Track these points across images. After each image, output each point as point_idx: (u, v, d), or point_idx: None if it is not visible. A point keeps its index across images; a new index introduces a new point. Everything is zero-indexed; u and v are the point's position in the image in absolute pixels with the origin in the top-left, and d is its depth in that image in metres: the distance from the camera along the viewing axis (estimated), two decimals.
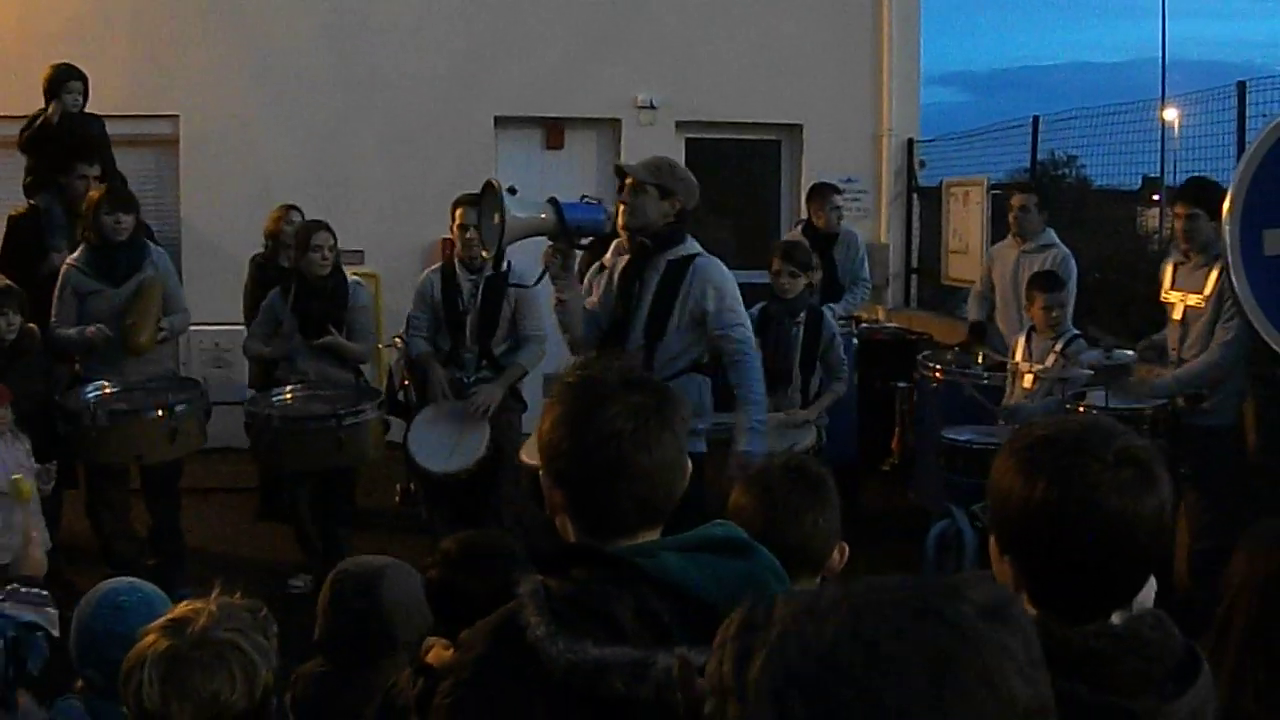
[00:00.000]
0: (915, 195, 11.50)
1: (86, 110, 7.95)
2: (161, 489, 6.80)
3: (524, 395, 7.01)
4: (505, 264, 6.77)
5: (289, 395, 6.93)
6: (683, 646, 1.76)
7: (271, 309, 7.07)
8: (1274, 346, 5.88)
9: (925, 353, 8.48)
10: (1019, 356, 7.01)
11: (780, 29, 10.99)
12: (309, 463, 6.74)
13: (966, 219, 10.26)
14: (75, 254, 6.75)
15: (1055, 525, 1.80)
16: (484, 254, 5.06)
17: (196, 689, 2.41)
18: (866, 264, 9.12)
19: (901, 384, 8.49)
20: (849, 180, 10.23)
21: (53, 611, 3.27)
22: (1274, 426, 6.48)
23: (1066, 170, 11.43)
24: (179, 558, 6.80)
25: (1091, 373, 6.48)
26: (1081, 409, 6.21)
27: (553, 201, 5.03)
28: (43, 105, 7.83)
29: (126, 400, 6.56)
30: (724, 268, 5.33)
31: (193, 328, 7.81)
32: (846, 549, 2.93)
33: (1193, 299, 6.34)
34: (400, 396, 7.60)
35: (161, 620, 2.56)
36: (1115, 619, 1.81)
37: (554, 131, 10.89)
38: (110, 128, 8.20)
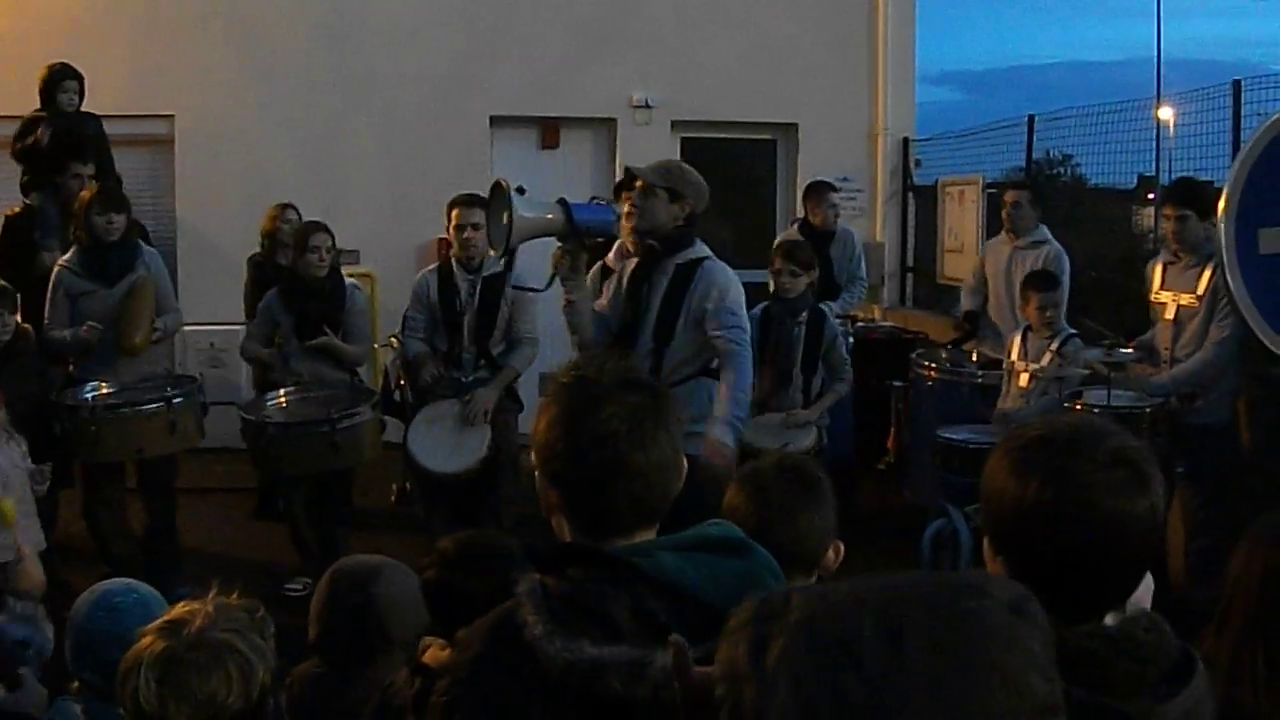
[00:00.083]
0: (911, 194, 11.51)
1: (83, 110, 7.96)
2: (158, 488, 6.80)
3: (520, 395, 7.01)
4: (503, 265, 6.79)
5: (283, 398, 6.92)
6: (677, 635, 1.76)
7: (269, 310, 7.06)
8: (1269, 345, 5.89)
9: (919, 351, 8.49)
10: (1015, 355, 7.02)
11: (776, 28, 11.00)
12: (305, 467, 6.73)
13: (962, 218, 10.26)
14: (67, 255, 6.75)
15: (1048, 526, 1.80)
16: (492, 252, 5.04)
17: (194, 690, 2.40)
18: (863, 263, 9.14)
19: (897, 383, 8.50)
20: (844, 179, 10.23)
21: (48, 627, 3.27)
22: (1269, 425, 6.49)
23: (1062, 169, 11.42)
24: (174, 558, 6.81)
25: (1088, 372, 6.50)
26: (1079, 408, 6.22)
27: (562, 202, 5.02)
28: (39, 106, 7.84)
29: (123, 398, 6.56)
30: (730, 271, 5.32)
31: (188, 328, 7.82)
32: (842, 548, 2.93)
33: (1185, 298, 6.35)
34: (396, 396, 7.60)
35: (158, 621, 2.56)
36: (1109, 620, 1.81)
37: (549, 131, 10.89)
38: (106, 128, 8.21)
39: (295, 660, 3.38)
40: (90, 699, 3.00)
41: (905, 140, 11.47)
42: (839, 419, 7.27)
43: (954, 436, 6.86)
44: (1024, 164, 9.96)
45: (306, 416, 6.73)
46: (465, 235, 6.67)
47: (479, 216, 6.65)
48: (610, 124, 10.90)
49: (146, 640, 2.48)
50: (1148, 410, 6.22)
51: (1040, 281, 7.02)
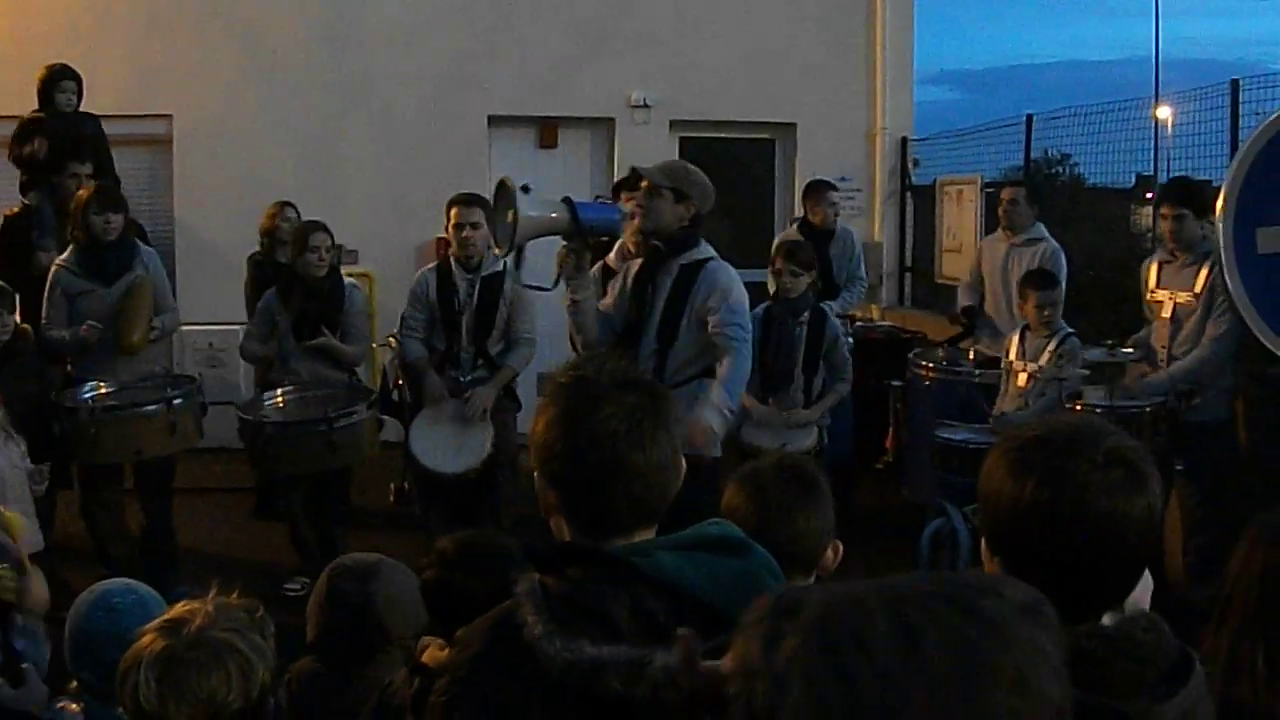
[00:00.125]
0: (909, 194, 11.50)
1: (81, 110, 7.96)
2: (155, 488, 6.80)
3: (519, 395, 7.01)
4: (503, 265, 6.79)
5: (280, 398, 6.91)
6: (684, 629, 1.76)
7: (268, 309, 7.06)
8: (1267, 344, 5.90)
9: (916, 350, 8.50)
10: (1013, 355, 7.02)
11: (774, 28, 11.00)
12: (303, 466, 6.72)
13: (960, 217, 10.27)
14: (64, 255, 6.74)
15: (1044, 526, 1.80)
16: (497, 250, 5.02)
17: (193, 689, 2.40)
18: (863, 263, 9.15)
19: (895, 382, 8.50)
20: (843, 179, 10.23)
21: (47, 647, 3.27)
22: (1266, 424, 6.50)
23: (1060, 168, 11.43)
24: (171, 557, 6.80)
25: (1088, 372, 6.51)
26: (1079, 407, 6.23)
27: (567, 201, 5.02)
28: (37, 106, 7.84)
29: (122, 398, 6.55)
30: (733, 271, 5.32)
31: (186, 328, 7.81)
32: (840, 548, 2.93)
33: (1182, 297, 6.37)
34: (394, 396, 7.60)
35: (158, 620, 2.56)
36: (1107, 620, 1.81)
37: (548, 131, 10.89)
38: (104, 127, 8.21)
39: (294, 660, 3.38)
40: (89, 699, 2.99)
41: (904, 140, 11.46)
42: (839, 419, 7.28)
43: (953, 437, 6.86)
44: (1022, 163, 9.97)
45: (304, 416, 6.73)
46: (464, 234, 6.66)
47: (478, 216, 6.65)
48: (609, 124, 10.90)
49: (146, 639, 2.48)
50: (1148, 409, 6.23)
51: (1038, 280, 7.02)
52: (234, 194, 9.72)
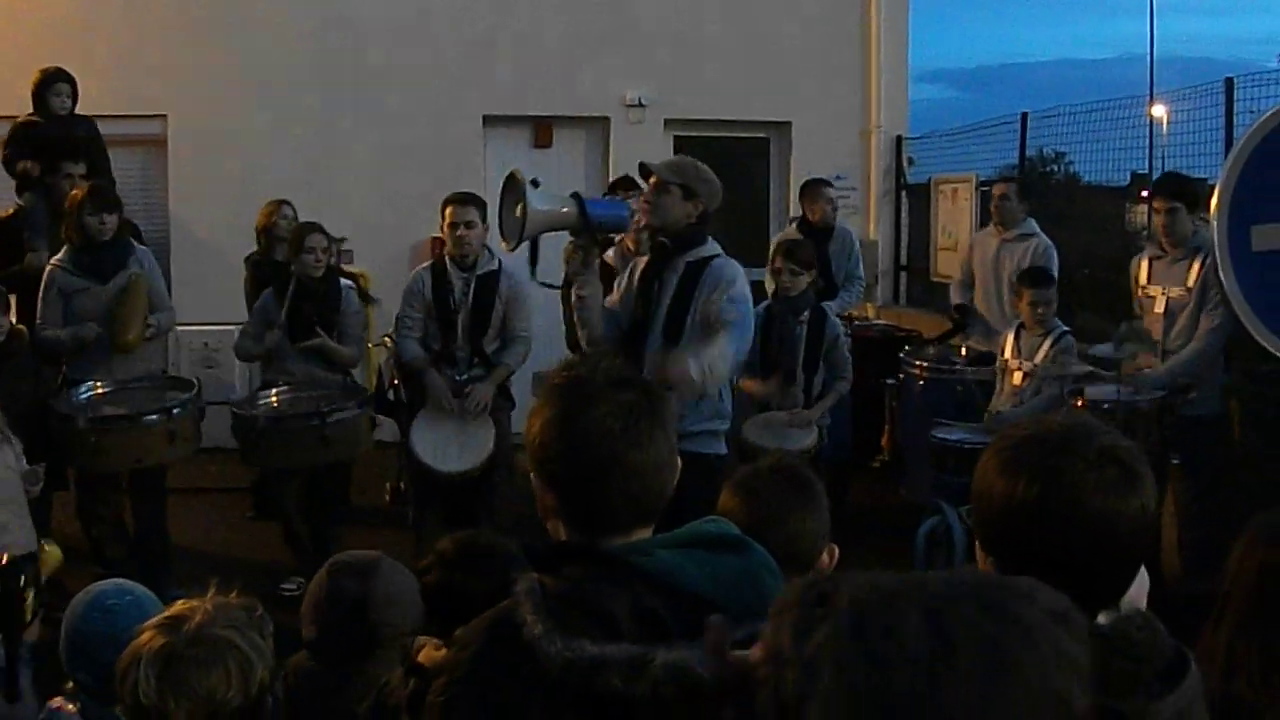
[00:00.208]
0: (904, 192, 11.52)
1: (76, 112, 7.95)
2: (148, 489, 6.78)
3: (513, 394, 7.00)
4: (497, 263, 6.79)
5: (275, 397, 6.92)
6: (717, 616, 1.77)
7: (264, 309, 7.06)
8: (1261, 342, 5.91)
9: (907, 349, 8.51)
10: (1008, 354, 7.02)
11: (769, 27, 11.00)
12: (295, 461, 6.73)
13: (955, 216, 10.28)
14: (59, 255, 6.73)
15: (1037, 524, 1.81)
16: (504, 245, 5.00)
17: (193, 686, 2.41)
18: (861, 262, 9.17)
19: (890, 381, 8.51)
20: (838, 178, 10.22)
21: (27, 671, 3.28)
22: (1260, 420, 6.52)
23: (1055, 167, 11.44)
24: (164, 558, 6.79)
25: (1091, 368, 6.51)
26: (1080, 403, 6.23)
27: (575, 196, 5.00)
28: (31, 111, 7.83)
29: (121, 401, 6.54)
30: (738, 267, 5.29)
31: (182, 328, 7.80)
32: (836, 551, 2.93)
33: (1175, 292, 6.39)
34: (390, 396, 7.59)
35: (158, 618, 2.56)
36: (1102, 619, 1.82)
37: (543, 130, 10.89)
38: (99, 127, 8.19)
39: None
40: (85, 699, 2.99)
41: (898, 138, 11.48)
42: (838, 418, 7.29)
43: (948, 437, 6.86)
44: (1017, 162, 9.97)
45: (297, 410, 6.75)
46: (459, 233, 6.66)
47: (473, 215, 6.65)
48: (603, 123, 10.90)
49: (146, 636, 2.48)
50: (1152, 403, 6.22)
51: (1033, 278, 7.04)
52: (229, 194, 9.71)
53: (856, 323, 9.84)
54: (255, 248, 8.03)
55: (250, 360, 7.55)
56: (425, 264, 7.09)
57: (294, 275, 6.93)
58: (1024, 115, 9.93)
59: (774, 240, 8.71)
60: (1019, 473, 1.82)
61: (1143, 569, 2.03)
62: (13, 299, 6.56)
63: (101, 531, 6.68)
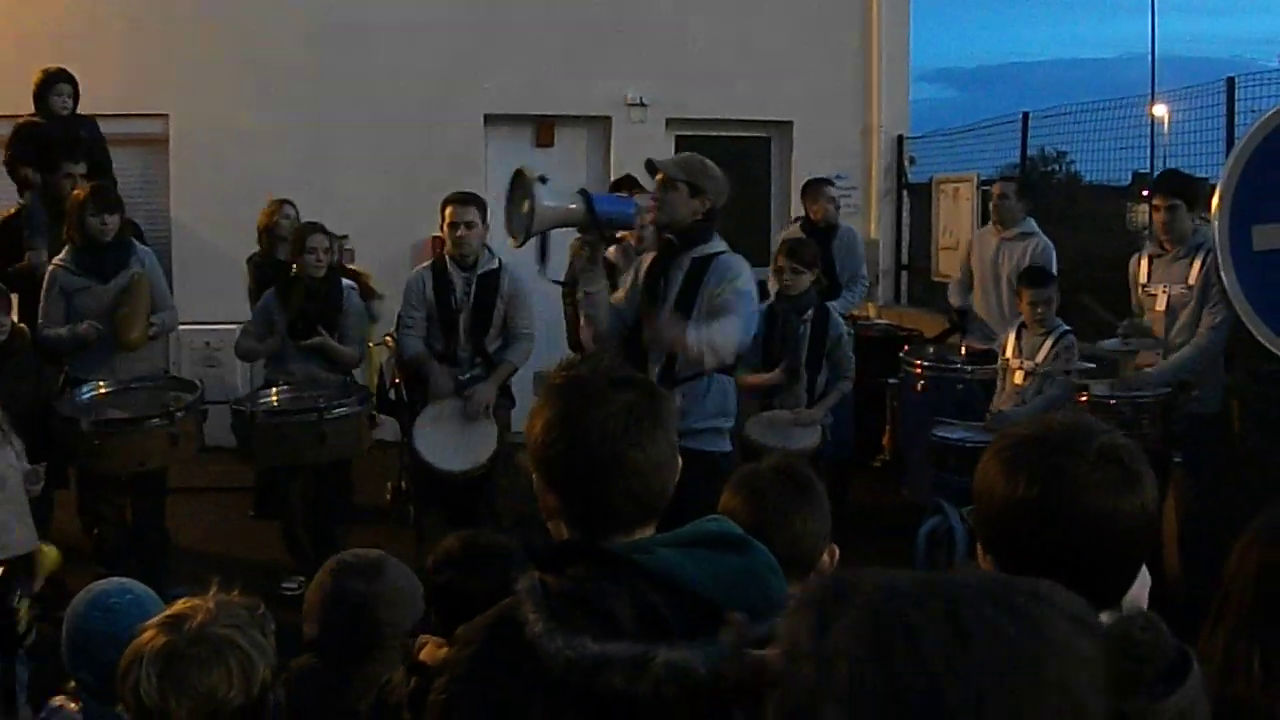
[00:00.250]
0: (905, 192, 11.52)
1: (78, 112, 7.95)
2: (148, 487, 6.79)
3: (513, 393, 7.00)
4: (497, 262, 6.79)
5: (275, 396, 6.94)
6: (740, 613, 1.77)
7: (266, 309, 7.06)
8: (1263, 341, 5.90)
9: (906, 348, 8.51)
10: (1009, 353, 7.02)
11: (770, 26, 11.00)
12: (293, 458, 6.74)
13: (957, 215, 10.28)
14: (61, 255, 6.73)
15: (1037, 523, 1.81)
16: (511, 241, 4.99)
17: (194, 685, 2.41)
18: (865, 262, 9.19)
19: (891, 380, 8.52)
20: (839, 177, 10.22)
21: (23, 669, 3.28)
22: (1263, 420, 6.52)
23: (1056, 166, 11.45)
24: (164, 556, 6.79)
25: (1094, 365, 6.52)
26: (1084, 399, 6.23)
27: (583, 193, 4.98)
28: (32, 111, 7.84)
29: (123, 403, 6.54)
30: (744, 262, 5.29)
31: (183, 327, 7.80)
32: (837, 551, 2.93)
33: (1176, 289, 6.41)
34: (391, 395, 7.59)
35: (159, 617, 2.56)
36: (1104, 619, 1.81)
37: (544, 129, 10.89)
38: (100, 127, 8.19)
39: (292, 657, 3.37)
40: (87, 699, 2.99)
41: (899, 138, 11.48)
42: (840, 417, 7.29)
43: (949, 436, 6.86)
44: (1018, 161, 9.97)
45: (295, 406, 6.76)
46: (459, 234, 6.66)
47: (473, 215, 6.65)
48: (605, 122, 10.91)
49: (148, 635, 2.48)
50: (1158, 398, 6.21)
51: (1032, 278, 7.04)
52: (230, 193, 9.71)
53: (858, 322, 9.84)
54: (256, 247, 8.04)
55: (251, 359, 7.55)
56: (424, 264, 7.09)
57: (296, 275, 6.93)
58: (1025, 115, 9.93)
59: (776, 240, 8.71)
60: (1019, 472, 1.82)
61: (1144, 568, 2.03)
62: (15, 298, 6.56)
63: (103, 530, 6.68)
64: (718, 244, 5.27)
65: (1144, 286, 6.60)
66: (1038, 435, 1.86)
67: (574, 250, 5.07)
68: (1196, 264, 6.33)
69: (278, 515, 7.38)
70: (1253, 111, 7.00)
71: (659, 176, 5.19)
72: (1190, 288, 6.35)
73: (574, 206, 4.89)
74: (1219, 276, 6.05)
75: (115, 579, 3.33)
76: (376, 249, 9.97)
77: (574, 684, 1.76)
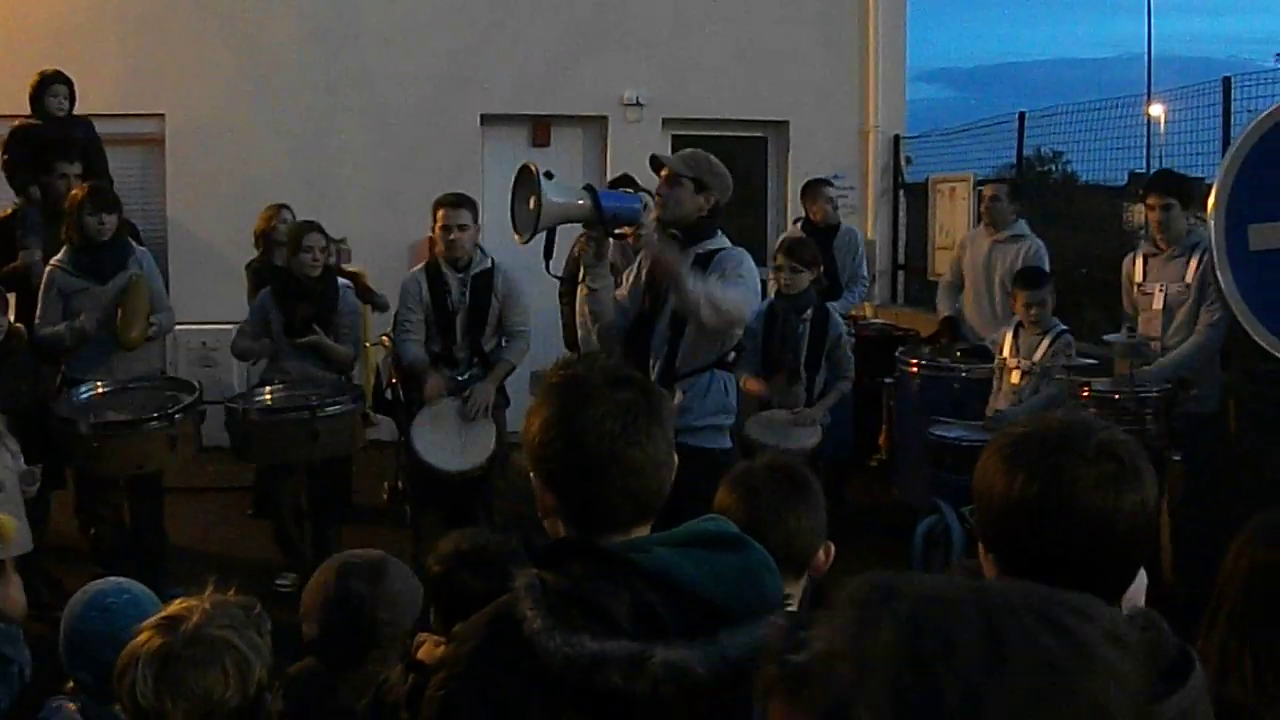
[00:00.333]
0: (902, 192, 11.52)
1: (74, 113, 7.95)
2: (145, 489, 6.78)
3: (508, 392, 6.99)
4: (490, 261, 6.78)
5: (269, 395, 6.94)
6: (680, 640, 1.77)
7: (262, 307, 7.06)
8: (1259, 341, 5.91)
9: (902, 348, 8.52)
10: (1006, 352, 7.02)
11: (766, 26, 11.01)
12: (285, 456, 6.74)
13: (953, 215, 10.29)
14: (59, 255, 6.73)
15: (1035, 521, 1.81)
16: (516, 238, 4.97)
17: (190, 686, 2.40)
18: (866, 262, 9.19)
19: (888, 380, 8.53)
20: (836, 177, 10.23)
21: (26, 651, 3.26)
22: (1259, 420, 6.52)
23: (1052, 166, 11.45)
24: (162, 556, 6.79)
25: (1095, 361, 6.52)
26: (1086, 393, 6.23)
27: (589, 189, 4.96)
28: (28, 113, 7.84)
29: (121, 404, 6.54)
30: (748, 256, 5.26)
31: (180, 327, 7.79)
32: (832, 549, 2.93)
33: (1174, 288, 6.41)
34: (388, 395, 7.59)
35: (155, 618, 2.56)
36: None
37: (540, 129, 10.90)
38: (96, 126, 8.19)
39: (285, 656, 3.37)
40: (85, 699, 2.99)
41: (896, 138, 11.49)
42: (839, 417, 7.29)
43: (946, 434, 6.86)
44: (1015, 161, 9.97)
45: (287, 404, 6.76)
46: (452, 236, 6.64)
47: (465, 218, 6.64)
48: (601, 122, 10.91)
49: (144, 636, 2.48)
50: (1161, 393, 6.22)
51: (1027, 279, 7.04)
52: (227, 193, 9.72)
53: (856, 322, 9.85)
54: (252, 247, 8.04)
55: (247, 359, 7.55)
56: (418, 266, 7.08)
57: (292, 274, 6.93)
58: (1021, 114, 9.93)
59: (772, 239, 8.72)
60: (1018, 470, 1.82)
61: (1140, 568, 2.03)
62: (11, 298, 6.55)
63: (100, 531, 6.68)
64: (721, 240, 5.26)
65: (1139, 286, 6.61)
66: (1037, 433, 1.87)
67: (579, 247, 5.05)
68: (1193, 262, 6.34)
69: (273, 514, 7.38)
70: (1249, 111, 7.00)
71: (664, 172, 5.17)
72: (1187, 286, 6.36)
73: (581, 202, 4.87)
74: (1216, 281, 6.05)
75: (113, 579, 3.32)
76: (374, 249, 9.96)
77: (572, 681, 1.76)
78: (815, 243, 7.68)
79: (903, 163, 11.45)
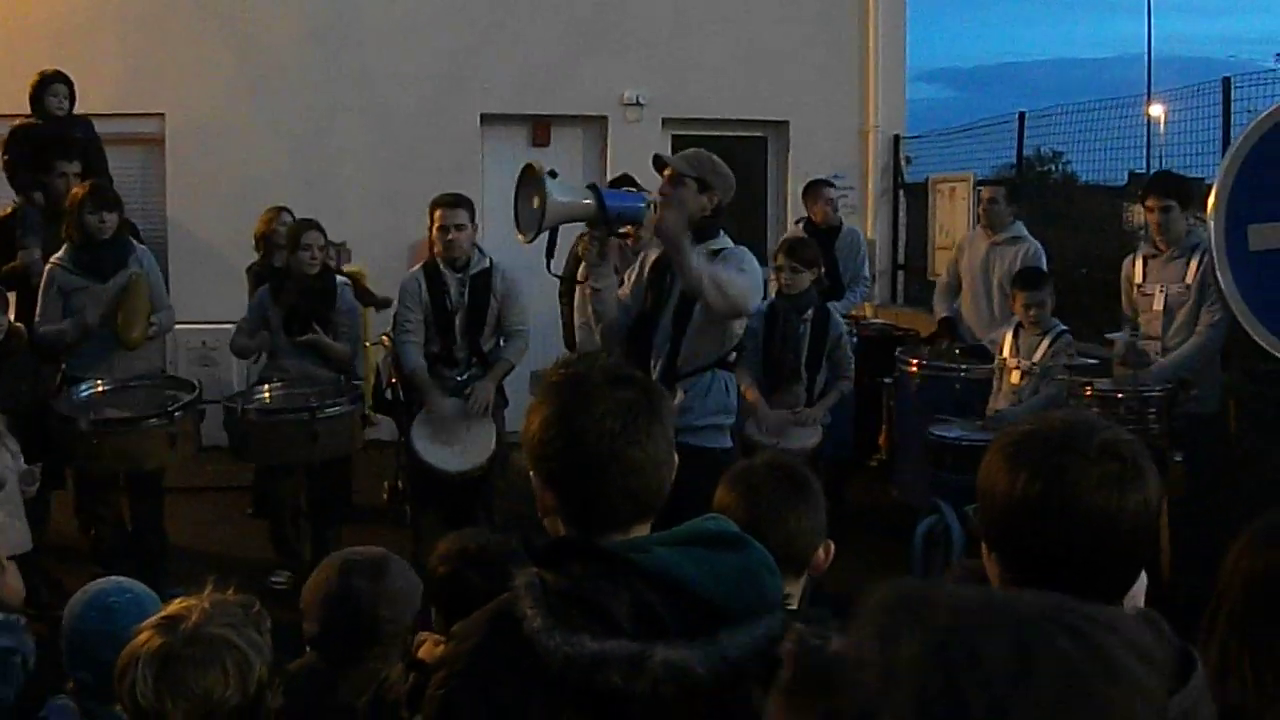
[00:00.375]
0: (901, 192, 11.52)
1: (74, 113, 7.95)
2: (146, 488, 6.79)
3: (506, 392, 6.99)
4: (488, 261, 6.77)
5: (268, 393, 6.94)
6: (680, 640, 1.77)
7: (261, 306, 7.06)
8: (1260, 341, 5.91)
9: (901, 348, 8.52)
10: (1006, 353, 7.02)
11: (766, 26, 11.01)
12: (284, 457, 6.74)
13: (953, 215, 10.29)
14: (59, 253, 6.73)
15: (1037, 520, 1.81)
16: (520, 237, 4.96)
17: (190, 685, 2.41)
18: (868, 263, 9.20)
19: (888, 380, 8.53)
20: (836, 177, 10.23)
21: (29, 639, 3.26)
22: (1259, 419, 6.52)
23: (1052, 166, 11.45)
24: (162, 556, 6.79)
25: (1096, 361, 6.52)
26: (1089, 392, 6.23)
27: (593, 188, 4.95)
28: (28, 111, 7.84)
29: (121, 402, 6.54)
30: (750, 254, 5.25)
31: (179, 327, 7.79)
32: (832, 548, 2.93)
33: (1174, 288, 6.41)
34: (388, 395, 7.58)
35: (155, 617, 2.56)
36: None
37: (540, 129, 10.89)
38: (96, 126, 8.19)
39: (283, 654, 3.36)
40: (85, 698, 2.99)
41: (896, 138, 11.48)
42: (839, 417, 7.28)
43: (946, 434, 6.86)
44: (1014, 161, 9.97)
45: (286, 405, 6.77)
46: (449, 237, 6.63)
47: (462, 218, 6.63)
48: (601, 122, 10.91)
49: (143, 636, 2.48)
50: (1159, 393, 6.22)
51: (1026, 280, 7.04)
52: (227, 193, 9.71)
53: (857, 322, 9.85)
54: (252, 246, 8.04)
55: (245, 356, 7.55)
56: (417, 266, 7.07)
57: (290, 272, 6.93)
58: (1021, 114, 9.93)
59: (774, 239, 8.72)
60: (1021, 469, 1.82)
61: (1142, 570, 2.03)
62: (11, 298, 6.55)
63: (100, 530, 6.68)
64: (724, 240, 5.25)
65: (1139, 287, 6.61)
66: (1040, 432, 1.86)
67: (582, 246, 5.05)
68: (1193, 263, 6.34)
69: (270, 514, 7.39)
70: (1249, 111, 7.00)
71: (667, 172, 5.17)
72: (1187, 287, 6.35)
73: (586, 201, 4.85)
74: (1216, 282, 6.05)
75: (113, 578, 3.32)
76: (374, 249, 9.97)
77: (572, 680, 1.76)
78: (816, 243, 7.68)
79: (903, 163, 11.45)
